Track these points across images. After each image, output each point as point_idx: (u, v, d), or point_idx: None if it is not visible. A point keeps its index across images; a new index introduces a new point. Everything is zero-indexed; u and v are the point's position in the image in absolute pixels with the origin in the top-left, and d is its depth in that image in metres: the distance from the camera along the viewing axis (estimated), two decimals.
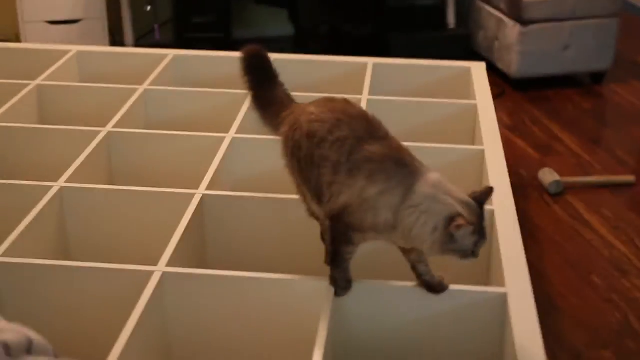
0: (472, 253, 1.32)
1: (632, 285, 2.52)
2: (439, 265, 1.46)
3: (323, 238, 1.53)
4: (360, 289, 1.47)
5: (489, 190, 1.35)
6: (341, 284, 1.45)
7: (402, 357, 1.51)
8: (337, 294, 1.45)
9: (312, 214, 1.53)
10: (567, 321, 2.36)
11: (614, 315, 2.39)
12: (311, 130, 1.39)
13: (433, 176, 1.32)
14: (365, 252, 1.47)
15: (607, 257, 2.67)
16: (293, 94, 2.39)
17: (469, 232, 1.29)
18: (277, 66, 2.61)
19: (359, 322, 1.49)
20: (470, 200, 1.32)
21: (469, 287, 1.46)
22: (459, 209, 1.29)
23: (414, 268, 1.44)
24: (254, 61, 1.57)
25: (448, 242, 1.29)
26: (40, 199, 1.74)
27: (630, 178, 3.19)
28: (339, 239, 1.40)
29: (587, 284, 2.54)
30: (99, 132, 2.06)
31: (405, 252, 1.42)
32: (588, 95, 4.08)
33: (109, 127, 2.08)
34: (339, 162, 1.35)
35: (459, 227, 1.27)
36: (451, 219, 1.28)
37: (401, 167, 1.33)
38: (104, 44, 3.99)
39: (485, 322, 1.46)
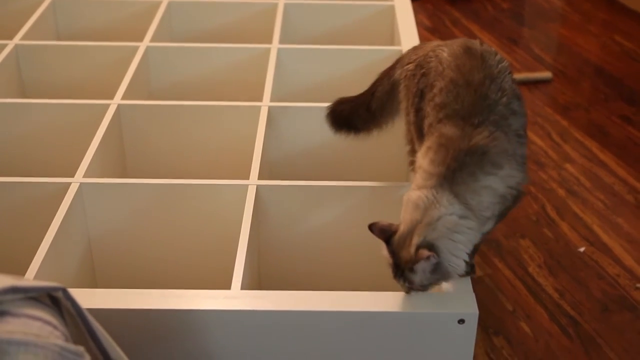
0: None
1: (548, 177, 2.61)
2: None
3: None
4: (282, 189, 1.49)
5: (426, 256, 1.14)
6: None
7: (320, 252, 1.55)
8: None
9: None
10: None
11: (531, 206, 2.48)
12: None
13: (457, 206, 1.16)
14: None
15: (526, 151, 2.74)
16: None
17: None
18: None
19: (280, 220, 1.51)
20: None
21: (385, 183, 1.49)
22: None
23: None
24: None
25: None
26: None
27: (547, 74, 3.26)
28: None
29: None
30: (5, 45, 1.98)
31: None
32: None
33: (17, 40, 2.01)
34: (431, 124, 1.28)
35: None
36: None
37: (444, 164, 1.18)
38: None
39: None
